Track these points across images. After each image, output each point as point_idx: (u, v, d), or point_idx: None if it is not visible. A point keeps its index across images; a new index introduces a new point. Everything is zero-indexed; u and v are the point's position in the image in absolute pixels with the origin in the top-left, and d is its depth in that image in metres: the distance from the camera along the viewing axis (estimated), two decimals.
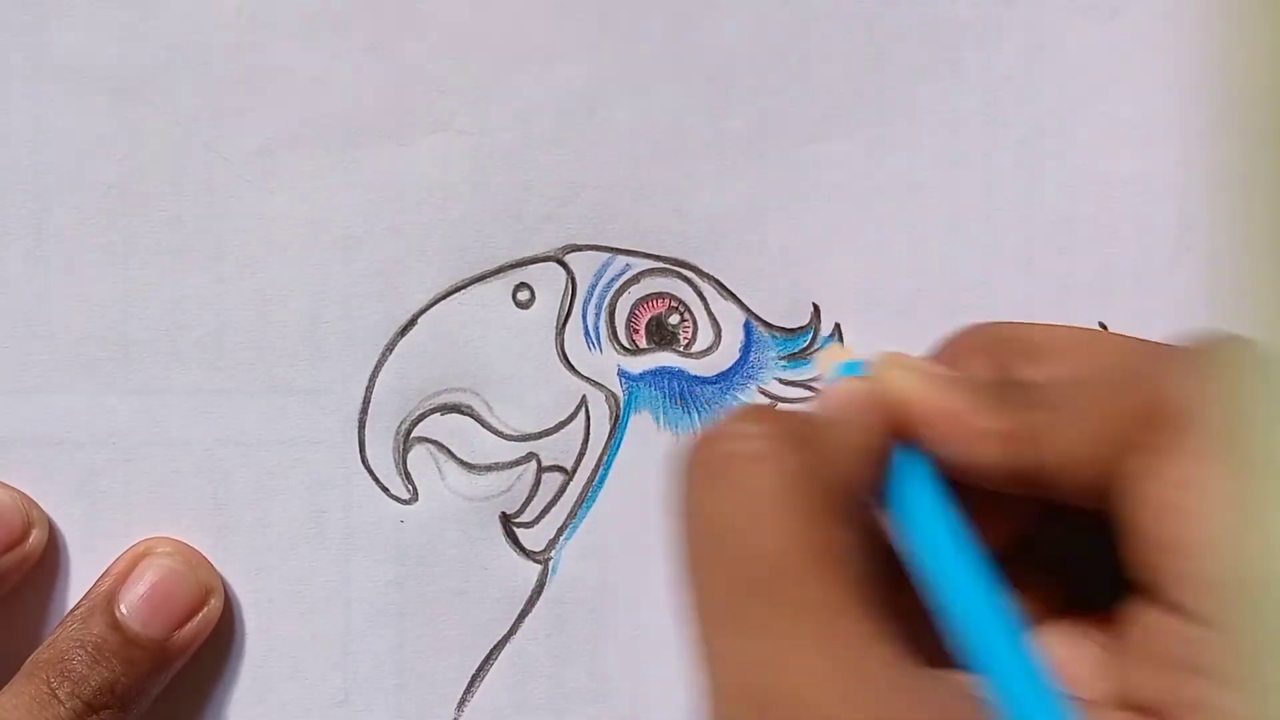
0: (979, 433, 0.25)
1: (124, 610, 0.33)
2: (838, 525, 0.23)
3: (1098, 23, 0.35)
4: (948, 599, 0.24)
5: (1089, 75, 0.35)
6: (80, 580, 0.34)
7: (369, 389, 0.35)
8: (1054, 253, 0.35)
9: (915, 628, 0.28)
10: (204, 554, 0.34)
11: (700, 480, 0.24)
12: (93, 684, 0.32)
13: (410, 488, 0.35)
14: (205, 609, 0.34)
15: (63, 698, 0.32)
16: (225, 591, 0.34)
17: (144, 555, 0.34)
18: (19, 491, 0.34)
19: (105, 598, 0.33)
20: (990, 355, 0.26)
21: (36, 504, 0.34)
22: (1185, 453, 0.23)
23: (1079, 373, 0.25)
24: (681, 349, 0.35)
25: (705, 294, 0.35)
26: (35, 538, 0.34)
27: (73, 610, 0.33)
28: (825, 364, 0.27)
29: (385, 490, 0.35)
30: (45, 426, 0.35)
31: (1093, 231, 0.35)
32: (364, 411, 0.35)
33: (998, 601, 0.24)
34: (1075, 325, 0.26)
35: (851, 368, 0.26)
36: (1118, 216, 0.35)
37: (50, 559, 0.34)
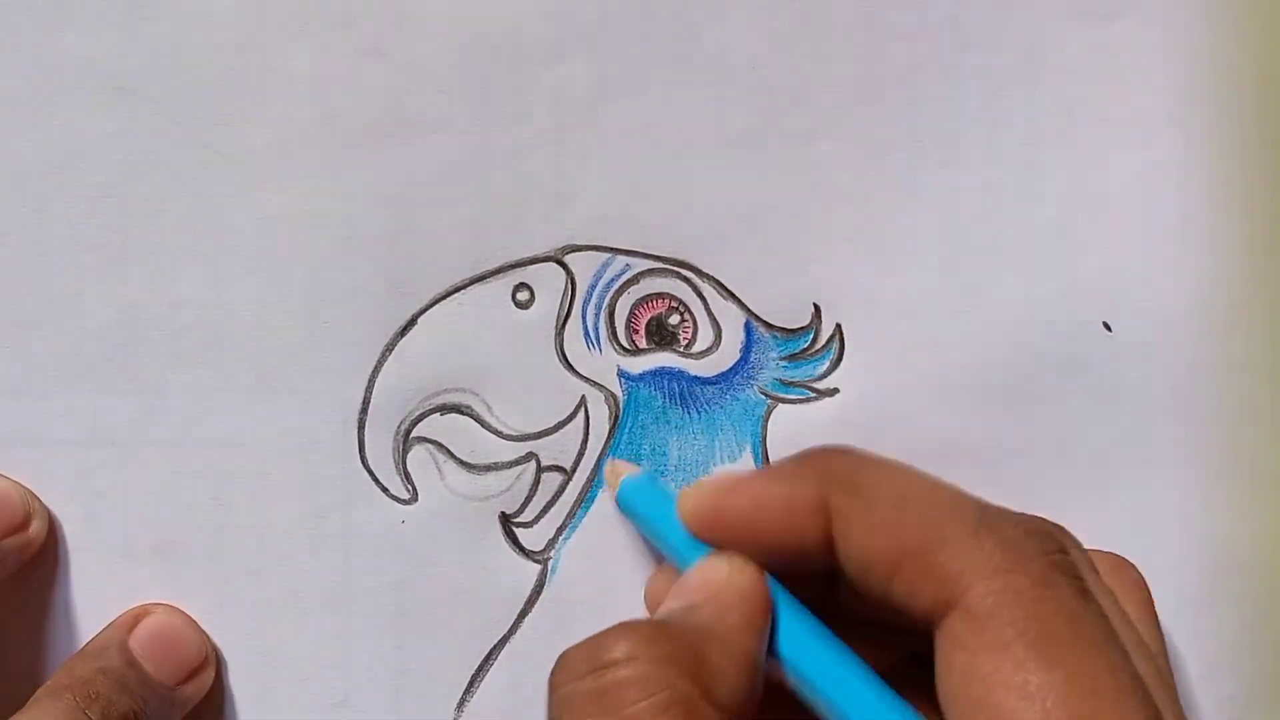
0: (783, 502, 0.25)
1: (136, 651, 0.33)
2: None
3: (1097, 23, 0.35)
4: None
5: (1089, 75, 0.35)
6: (80, 579, 0.34)
7: (369, 389, 0.35)
8: (1054, 253, 0.35)
9: None
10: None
11: (581, 710, 0.23)
12: (120, 709, 0.31)
13: (410, 488, 0.35)
14: (204, 673, 0.34)
15: (92, 717, 0.31)
16: (217, 662, 0.35)
17: (145, 613, 0.34)
18: (20, 484, 0.34)
19: (117, 637, 0.33)
20: (816, 480, 0.26)
21: (37, 497, 0.34)
22: (988, 650, 0.23)
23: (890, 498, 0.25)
24: (682, 349, 0.35)
25: (705, 294, 0.35)
26: (35, 528, 0.34)
27: (84, 647, 0.33)
28: (611, 477, 0.28)
29: (385, 490, 0.35)
30: (45, 426, 0.35)
31: (1093, 231, 0.35)
32: (364, 411, 0.35)
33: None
34: (911, 472, 0.26)
35: (638, 483, 0.27)
36: (1118, 216, 0.35)
37: (50, 557, 0.34)
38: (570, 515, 0.35)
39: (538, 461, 0.35)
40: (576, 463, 0.35)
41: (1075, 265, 0.35)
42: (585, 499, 0.35)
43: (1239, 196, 0.35)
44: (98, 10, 0.34)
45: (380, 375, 0.35)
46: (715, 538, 0.27)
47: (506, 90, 0.35)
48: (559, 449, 0.35)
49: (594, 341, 0.35)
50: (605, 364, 0.35)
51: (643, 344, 0.35)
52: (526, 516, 0.35)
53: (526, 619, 0.35)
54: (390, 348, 0.35)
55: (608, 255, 0.35)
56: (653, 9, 0.35)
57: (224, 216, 0.35)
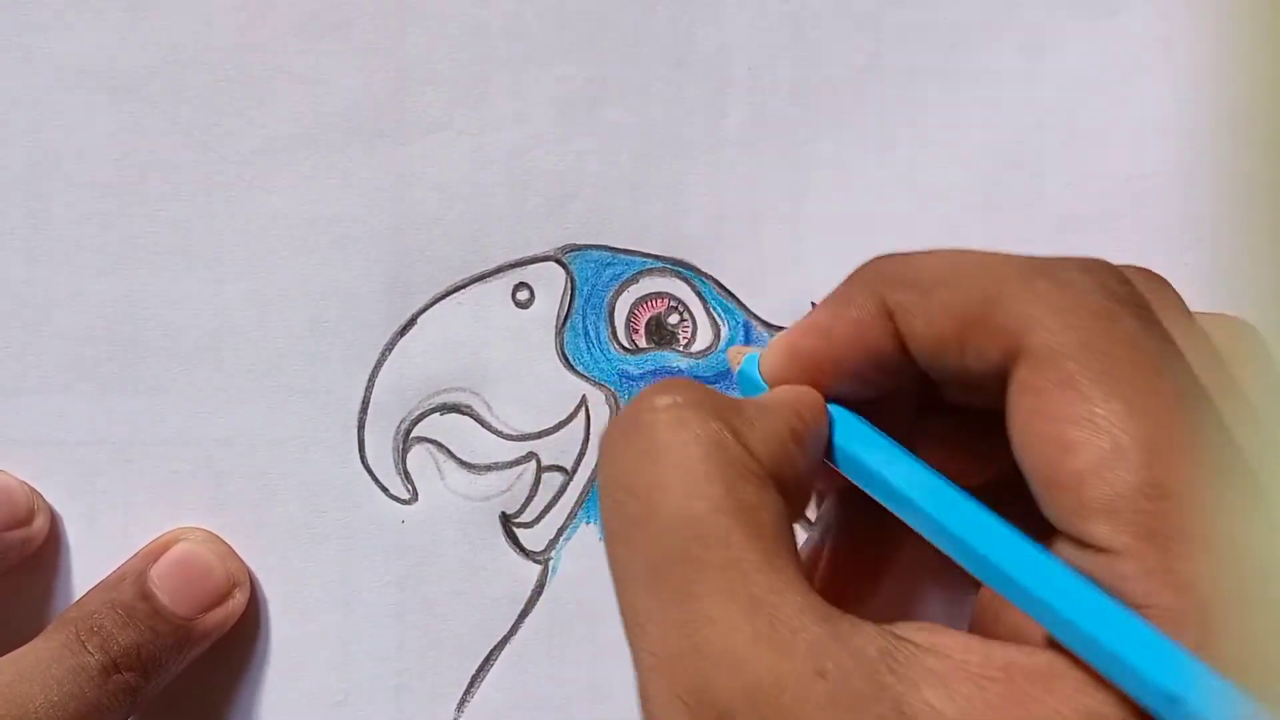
0: (851, 323, 0.26)
1: (155, 582, 0.33)
2: (755, 486, 0.23)
3: (1098, 22, 0.35)
4: (939, 524, 0.24)
5: (1089, 75, 0.35)
6: (80, 579, 0.34)
7: (369, 389, 0.35)
8: (1054, 253, 0.35)
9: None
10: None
11: (621, 449, 0.24)
12: (121, 643, 0.32)
13: (410, 488, 0.35)
14: (231, 600, 0.34)
15: (91, 650, 0.32)
16: (251, 587, 0.35)
17: (175, 540, 0.34)
18: (24, 481, 0.34)
19: (137, 568, 0.33)
20: (873, 289, 0.26)
21: (40, 495, 0.34)
22: (1052, 387, 0.23)
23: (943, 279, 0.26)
24: (681, 349, 0.35)
25: (704, 294, 0.35)
26: (38, 524, 0.34)
27: (104, 579, 0.34)
28: (734, 359, 0.28)
29: (385, 490, 0.35)
30: (45, 426, 0.35)
31: (1093, 231, 0.35)
32: (364, 411, 0.35)
33: (984, 512, 0.24)
34: (957, 250, 0.27)
35: (753, 359, 0.27)
36: (1118, 216, 0.35)
37: (50, 557, 0.34)
38: (571, 516, 0.35)
39: (538, 461, 0.35)
40: (577, 463, 0.35)
41: None
42: (586, 499, 0.35)
43: (1239, 197, 0.35)
44: (98, 10, 0.34)
45: (380, 375, 0.35)
46: (803, 383, 0.27)
47: (506, 90, 0.35)
48: (560, 449, 0.35)
49: (594, 341, 0.35)
50: (605, 363, 0.35)
51: (642, 343, 0.35)
52: (527, 517, 0.35)
53: (527, 619, 0.35)
54: (390, 348, 0.35)
55: (607, 255, 0.35)
56: (651, 9, 0.35)
57: (224, 216, 0.35)
